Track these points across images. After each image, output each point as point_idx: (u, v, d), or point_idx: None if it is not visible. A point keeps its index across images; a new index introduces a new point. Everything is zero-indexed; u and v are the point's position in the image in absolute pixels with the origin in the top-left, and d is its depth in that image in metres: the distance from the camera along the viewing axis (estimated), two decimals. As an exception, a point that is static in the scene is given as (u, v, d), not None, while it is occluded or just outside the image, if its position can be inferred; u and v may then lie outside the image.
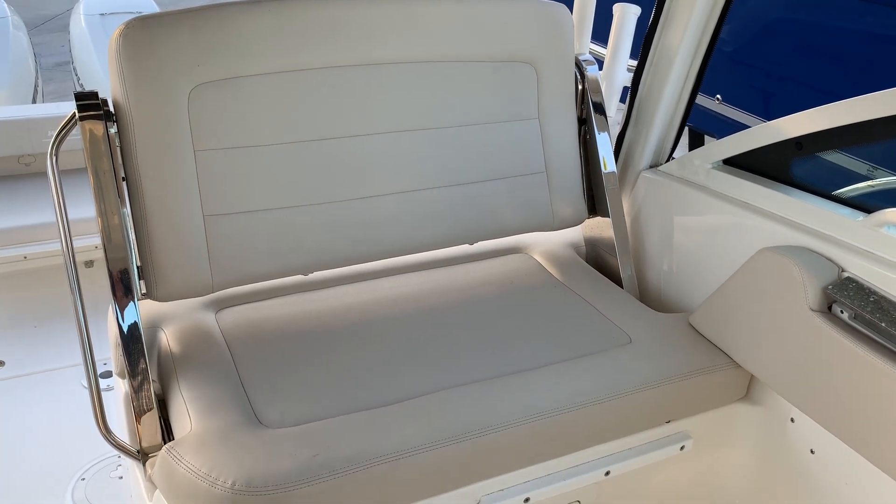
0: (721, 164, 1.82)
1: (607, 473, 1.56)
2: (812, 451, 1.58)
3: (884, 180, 1.74)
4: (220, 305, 1.78)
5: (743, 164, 1.78)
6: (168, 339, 1.65)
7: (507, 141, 1.84)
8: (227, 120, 1.56)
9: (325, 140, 1.65)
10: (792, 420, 1.61)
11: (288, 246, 1.64)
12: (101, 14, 4.69)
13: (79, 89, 4.76)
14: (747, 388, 1.69)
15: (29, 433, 2.31)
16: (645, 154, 2.01)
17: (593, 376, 1.55)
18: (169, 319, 1.70)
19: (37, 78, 4.60)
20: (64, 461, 2.21)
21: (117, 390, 1.79)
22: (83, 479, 2.17)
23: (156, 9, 4.85)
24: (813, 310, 1.43)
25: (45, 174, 3.18)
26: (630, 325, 1.74)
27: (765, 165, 1.72)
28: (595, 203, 2.02)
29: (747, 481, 1.73)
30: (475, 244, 2.04)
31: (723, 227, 1.76)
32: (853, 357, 1.35)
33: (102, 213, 1.48)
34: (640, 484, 1.67)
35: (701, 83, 1.89)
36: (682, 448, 1.62)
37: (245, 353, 1.62)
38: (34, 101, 4.46)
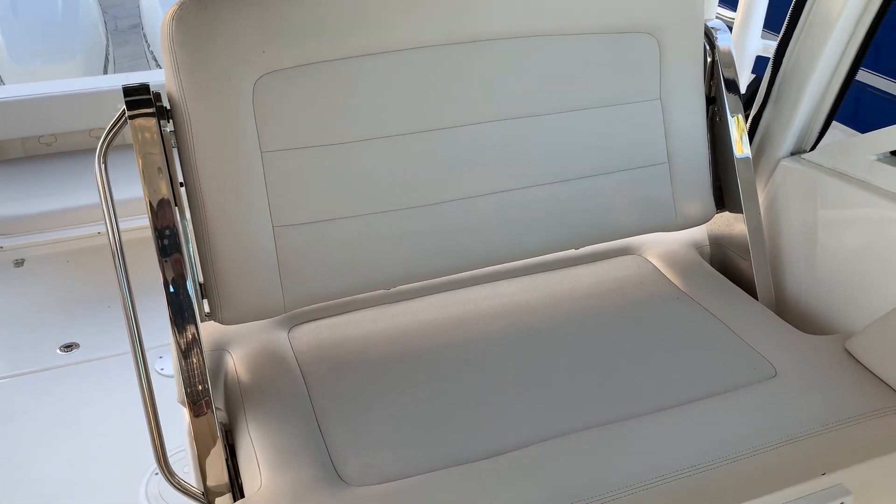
0: (889, 155, 1.50)
1: None
2: None
3: None
4: (292, 322, 1.57)
5: None
6: (235, 363, 1.45)
7: (623, 127, 1.56)
8: (297, 114, 1.32)
9: (412, 134, 1.40)
10: None
11: (369, 259, 1.41)
12: None
13: (149, 56, 4.64)
14: None
15: (103, 420, 2.21)
16: (786, 139, 1.69)
17: (734, 422, 1.29)
18: (236, 341, 1.50)
19: (108, 46, 4.49)
20: (138, 452, 2.08)
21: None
22: (157, 472, 2.04)
23: None
24: None
25: (119, 148, 3.07)
26: (773, 352, 1.45)
27: None
28: (723, 195, 1.72)
29: None
30: None
31: (891, 233, 1.44)
32: None
33: (157, 223, 1.28)
34: None
35: (864, 56, 1.55)
36: None
37: (321, 383, 1.41)
38: (105, 71, 4.37)
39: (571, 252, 1.79)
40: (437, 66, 1.39)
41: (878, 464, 1.39)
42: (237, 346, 1.50)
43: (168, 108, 1.31)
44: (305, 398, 1.37)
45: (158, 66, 4.50)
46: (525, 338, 1.52)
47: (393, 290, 1.65)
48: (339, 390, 1.39)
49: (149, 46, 4.53)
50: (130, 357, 2.50)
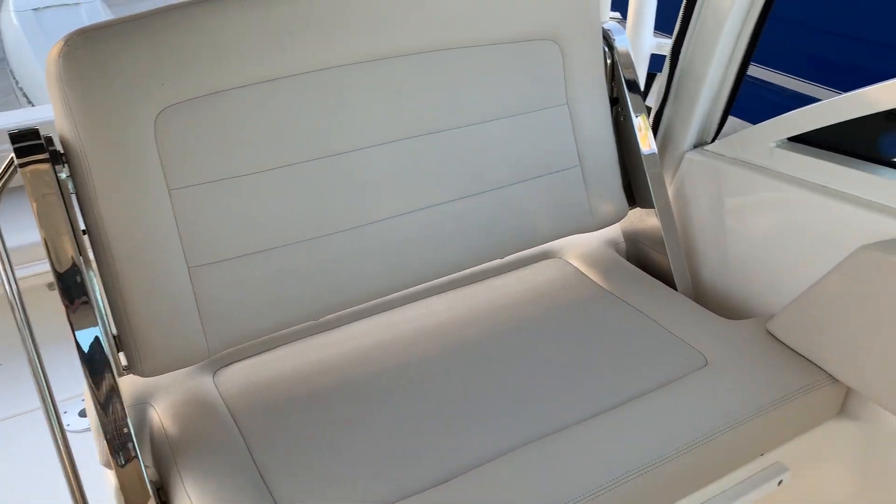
0: (786, 141, 1.56)
1: None
2: None
3: None
4: (216, 365, 1.49)
5: (815, 141, 1.52)
6: (160, 416, 1.36)
7: (534, 134, 1.56)
8: (203, 147, 1.26)
9: (326, 158, 1.36)
10: None
11: (293, 291, 1.35)
12: (35, 9, 4.26)
13: (18, 92, 4.36)
14: (842, 403, 1.46)
15: (10, 490, 2.03)
16: (689, 133, 1.75)
17: (673, 415, 1.31)
18: (158, 392, 1.41)
19: None
20: None
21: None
22: None
23: None
24: None
25: (14, 189, 2.88)
26: (700, 341, 1.49)
27: (844, 143, 1.47)
28: (634, 192, 1.76)
29: None
30: None
31: (796, 215, 1.51)
32: None
33: (61, 275, 1.18)
34: None
35: (754, 50, 1.62)
36: (779, 483, 1.39)
37: (256, 426, 1.34)
38: None
39: (495, 261, 1.78)
40: (344, 87, 1.36)
41: (809, 437, 1.45)
42: (159, 397, 1.41)
43: (62, 151, 1.21)
44: (241, 445, 1.30)
45: (29, 101, 4.22)
46: (458, 355, 1.49)
47: (320, 320, 1.60)
48: (275, 433, 1.32)
49: (17, 83, 4.25)
50: (28, 417, 2.32)
